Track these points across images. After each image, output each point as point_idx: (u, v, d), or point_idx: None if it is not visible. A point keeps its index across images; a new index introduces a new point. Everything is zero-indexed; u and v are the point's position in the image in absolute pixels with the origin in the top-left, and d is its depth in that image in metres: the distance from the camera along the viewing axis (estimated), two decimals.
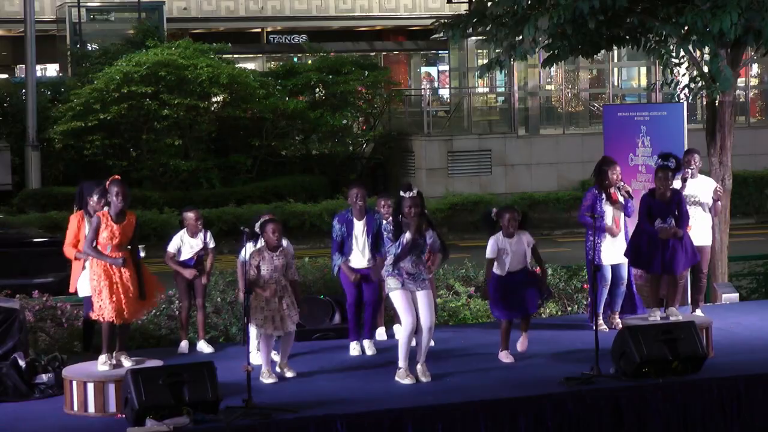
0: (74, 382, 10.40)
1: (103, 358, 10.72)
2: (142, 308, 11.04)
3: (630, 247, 12.55)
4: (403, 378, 11.02)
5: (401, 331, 11.16)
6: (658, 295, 12.39)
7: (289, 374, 11.42)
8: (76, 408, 10.36)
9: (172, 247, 12.58)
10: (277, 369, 11.44)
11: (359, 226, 12.33)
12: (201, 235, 12.59)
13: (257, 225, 11.28)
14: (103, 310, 10.71)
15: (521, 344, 11.94)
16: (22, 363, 10.94)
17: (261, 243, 11.27)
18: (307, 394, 10.67)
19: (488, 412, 10.21)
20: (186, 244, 12.57)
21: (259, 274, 11.14)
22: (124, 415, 9.91)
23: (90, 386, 10.34)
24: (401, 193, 11.11)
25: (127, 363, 10.72)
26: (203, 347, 12.53)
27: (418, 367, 11.14)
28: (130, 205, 11.00)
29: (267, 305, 11.14)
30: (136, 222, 10.92)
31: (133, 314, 10.90)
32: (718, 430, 10.72)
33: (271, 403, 10.11)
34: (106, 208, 10.93)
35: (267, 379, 11.18)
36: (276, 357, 11.56)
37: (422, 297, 11.12)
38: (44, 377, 10.94)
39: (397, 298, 11.10)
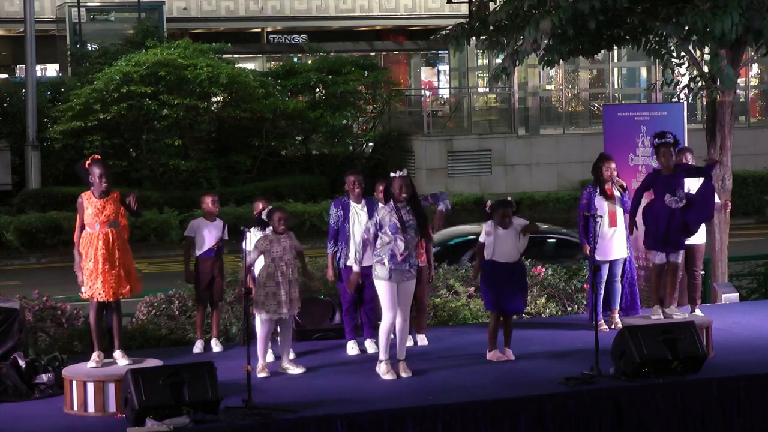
0: (74, 382, 10.41)
1: (94, 356, 10.72)
2: (126, 286, 10.89)
3: (650, 234, 12.55)
4: (384, 373, 11.17)
5: (381, 325, 11.31)
6: (659, 293, 12.42)
7: (296, 371, 11.49)
8: (76, 408, 10.37)
9: (189, 231, 12.67)
10: (280, 370, 11.52)
11: (358, 209, 12.30)
12: (218, 223, 12.65)
13: (264, 214, 11.57)
14: (94, 290, 10.74)
15: (507, 357, 11.98)
16: (22, 363, 10.93)
17: (268, 230, 11.55)
18: (307, 394, 10.68)
19: (488, 412, 10.21)
20: (203, 228, 12.59)
21: (266, 260, 11.39)
22: (124, 415, 9.92)
23: (90, 386, 10.34)
24: (391, 174, 11.31)
25: (122, 362, 10.73)
26: (214, 345, 12.63)
27: (399, 363, 11.24)
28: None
29: (276, 288, 11.34)
30: (120, 198, 10.92)
31: (115, 289, 10.80)
32: (718, 430, 10.72)
33: (271, 403, 10.12)
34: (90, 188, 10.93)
35: (260, 373, 11.25)
36: (291, 354, 11.78)
37: (404, 290, 11.27)
38: (44, 377, 10.94)
39: (382, 289, 11.25)
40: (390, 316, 11.21)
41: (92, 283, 10.73)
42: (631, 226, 12.61)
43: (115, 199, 10.89)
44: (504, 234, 11.83)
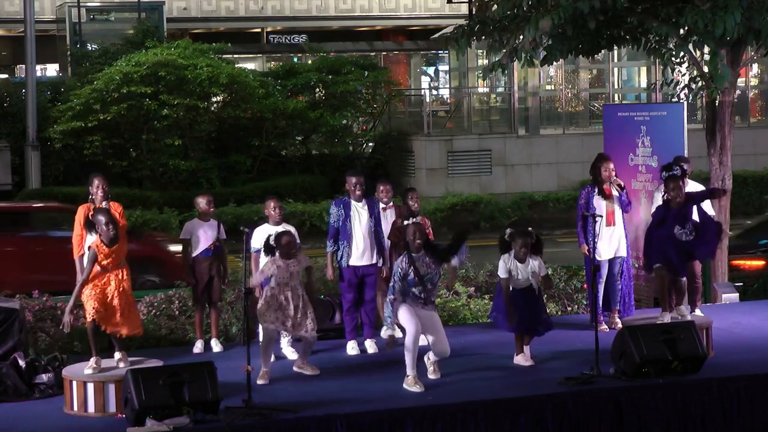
0: (74, 382, 10.41)
1: (92, 362, 10.70)
2: (126, 328, 10.95)
3: (656, 253, 12.45)
4: (411, 386, 10.85)
5: (406, 338, 11.02)
6: (669, 298, 12.34)
7: (310, 372, 11.49)
8: (76, 408, 10.37)
9: (185, 234, 12.68)
10: (295, 368, 11.55)
11: (358, 207, 12.29)
12: (213, 223, 12.64)
13: (272, 239, 11.45)
14: (92, 312, 10.78)
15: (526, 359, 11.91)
16: (22, 363, 10.94)
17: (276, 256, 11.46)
18: (307, 394, 10.68)
19: (488, 412, 10.21)
20: (198, 228, 12.60)
21: (272, 283, 11.29)
22: (124, 415, 9.92)
23: (90, 386, 10.35)
24: (404, 222, 11.22)
25: (122, 364, 10.73)
26: (214, 345, 12.65)
27: (429, 367, 11.18)
28: (128, 206, 11.17)
29: (282, 310, 11.26)
30: (122, 211, 11.09)
31: (117, 328, 10.88)
32: (718, 430, 10.73)
33: (271, 403, 10.12)
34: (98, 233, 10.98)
35: (259, 380, 11.17)
36: (293, 355, 11.84)
37: (430, 322, 11.05)
38: (44, 377, 10.95)
39: (400, 312, 11.02)
40: (412, 328, 10.91)
41: (95, 307, 10.75)
42: (645, 262, 12.60)
43: (123, 236, 10.95)
44: (522, 269, 11.53)
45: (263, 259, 11.76)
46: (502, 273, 11.58)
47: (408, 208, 12.75)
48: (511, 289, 11.56)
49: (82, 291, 10.83)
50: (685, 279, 12.51)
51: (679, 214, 12.26)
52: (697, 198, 12.49)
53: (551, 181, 31.49)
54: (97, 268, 10.85)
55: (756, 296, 15.75)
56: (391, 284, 11.06)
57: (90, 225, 10.99)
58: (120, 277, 10.91)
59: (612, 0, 13.80)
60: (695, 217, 12.43)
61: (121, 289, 10.88)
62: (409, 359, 10.92)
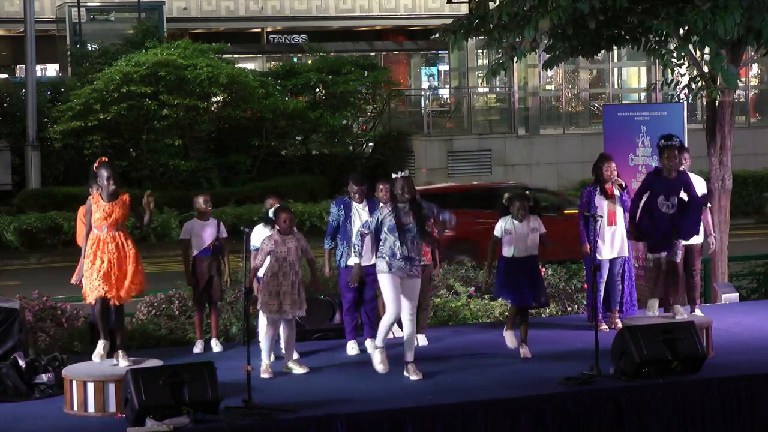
0: (74, 382, 10.41)
1: (100, 345, 10.70)
2: (130, 290, 10.90)
3: (635, 226, 12.55)
4: (378, 362, 11.23)
5: (383, 317, 11.32)
6: (657, 286, 12.37)
7: (300, 371, 11.49)
8: (76, 408, 10.37)
9: (184, 233, 12.68)
10: (284, 369, 11.52)
11: (359, 208, 12.31)
12: (213, 222, 12.64)
13: (270, 212, 11.58)
14: (96, 289, 10.72)
15: (523, 354, 11.94)
16: (22, 363, 10.94)
17: (274, 230, 11.54)
18: (307, 394, 10.68)
19: (488, 412, 10.21)
20: (198, 228, 12.59)
21: (271, 260, 11.33)
22: (124, 415, 9.92)
23: (90, 386, 10.35)
24: (393, 175, 11.33)
25: (124, 362, 10.73)
26: (214, 345, 12.64)
27: (408, 366, 11.19)
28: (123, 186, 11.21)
29: (280, 290, 11.29)
30: (130, 200, 10.98)
31: (120, 292, 10.83)
32: (718, 430, 10.72)
33: (271, 403, 10.12)
34: (97, 191, 10.97)
35: (264, 374, 11.21)
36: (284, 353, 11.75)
37: (408, 287, 11.20)
38: (44, 377, 10.94)
39: (384, 282, 11.21)
40: (393, 310, 11.15)
41: (99, 283, 10.71)
42: (632, 230, 12.56)
43: (124, 202, 10.90)
44: (520, 227, 11.80)
45: (261, 233, 11.85)
46: (497, 232, 11.90)
47: None
48: (511, 255, 11.76)
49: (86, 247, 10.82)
50: (682, 272, 12.55)
51: (668, 186, 12.25)
52: (689, 185, 12.42)
53: (551, 181, 31.46)
54: (95, 231, 10.77)
55: None
56: (368, 220, 11.44)
57: (93, 177, 10.96)
58: (119, 240, 10.79)
59: (612, 0, 13.80)
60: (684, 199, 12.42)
61: (123, 252, 10.78)
62: (381, 334, 11.28)
